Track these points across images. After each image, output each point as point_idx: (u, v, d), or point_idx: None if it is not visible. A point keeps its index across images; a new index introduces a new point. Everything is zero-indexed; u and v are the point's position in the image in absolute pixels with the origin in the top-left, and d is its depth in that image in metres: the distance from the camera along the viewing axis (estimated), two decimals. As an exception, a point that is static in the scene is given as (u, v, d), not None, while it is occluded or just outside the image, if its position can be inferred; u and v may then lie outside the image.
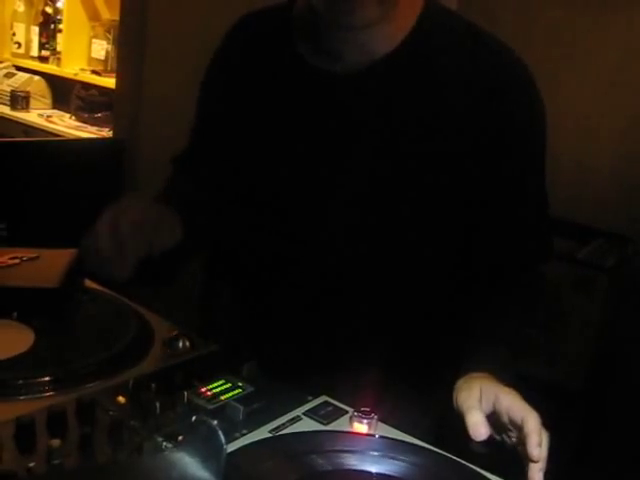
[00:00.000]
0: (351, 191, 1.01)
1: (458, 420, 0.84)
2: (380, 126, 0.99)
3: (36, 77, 3.75)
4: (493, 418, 0.84)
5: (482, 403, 0.84)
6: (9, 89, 3.65)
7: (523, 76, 1.00)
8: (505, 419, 0.83)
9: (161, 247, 0.95)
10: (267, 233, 1.09)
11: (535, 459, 0.79)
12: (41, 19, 3.76)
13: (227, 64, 1.13)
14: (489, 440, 0.83)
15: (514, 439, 0.84)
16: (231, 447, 0.76)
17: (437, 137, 0.98)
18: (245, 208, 1.11)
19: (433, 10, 1.01)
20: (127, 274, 0.92)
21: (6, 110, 3.62)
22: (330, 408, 0.89)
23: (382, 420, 0.86)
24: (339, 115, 1.01)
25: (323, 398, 0.91)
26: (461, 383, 0.89)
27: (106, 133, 3.35)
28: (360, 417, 0.85)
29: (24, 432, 0.76)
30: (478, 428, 0.82)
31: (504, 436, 0.86)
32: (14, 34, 3.85)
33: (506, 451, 0.84)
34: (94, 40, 3.61)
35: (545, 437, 0.81)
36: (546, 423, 0.81)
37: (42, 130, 3.47)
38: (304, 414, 0.87)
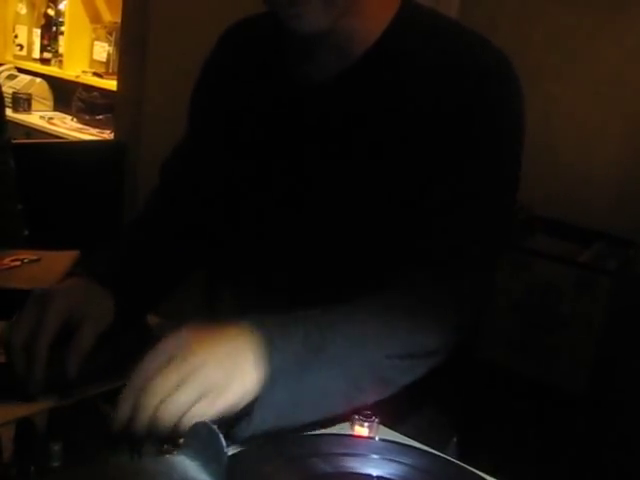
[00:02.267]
0: (327, 193, 1.01)
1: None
2: (355, 127, 0.99)
3: (38, 79, 3.76)
4: None
5: None
6: (11, 91, 3.66)
7: (500, 71, 0.97)
8: None
9: (93, 335, 0.92)
10: (254, 236, 1.08)
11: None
12: (43, 21, 3.77)
13: (218, 74, 1.14)
14: None
15: None
16: (231, 450, 0.76)
17: (407, 137, 0.97)
18: (233, 213, 1.10)
19: (409, 11, 1.00)
20: (34, 393, 0.86)
21: (8, 112, 3.58)
22: (331, 411, 0.89)
23: (383, 423, 0.85)
24: (315, 120, 1.02)
25: (324, 401, 0.91)
26: None
27: (107, 135, 3.35)
28: (361, 420, 0.84)
29: (24, 435, 0.76)
30: None
31: None
32: (16, 36, 3.86)
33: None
34: (96, 42, 3.62)
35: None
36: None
37: (44, 132, 3.48)
38: (305, 417, 0.87)
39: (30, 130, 3.51)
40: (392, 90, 0.99)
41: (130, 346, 0.90)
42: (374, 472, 0.78)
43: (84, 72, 3.60)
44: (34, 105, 3.70)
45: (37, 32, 3.79)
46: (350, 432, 0.84)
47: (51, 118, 3.64)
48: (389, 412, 0.86)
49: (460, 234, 0.93)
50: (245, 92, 1.09)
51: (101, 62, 3.59)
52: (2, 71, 3.86)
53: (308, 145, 1.03)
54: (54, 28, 3.74)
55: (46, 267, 1.13)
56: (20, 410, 0.82)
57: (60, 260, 1.14)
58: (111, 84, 3.27)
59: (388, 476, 0.77)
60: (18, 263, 1.13)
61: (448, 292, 0.92)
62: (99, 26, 3.62)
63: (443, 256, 0.92)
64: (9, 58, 3.92)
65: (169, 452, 0.71)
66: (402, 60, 0.99)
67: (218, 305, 1.19)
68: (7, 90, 3.69)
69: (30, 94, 3.69)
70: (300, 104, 1.03)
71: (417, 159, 0.96)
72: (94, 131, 3.48)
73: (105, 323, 0.95)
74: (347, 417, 0.81)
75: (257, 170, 1.07)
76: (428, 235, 0.93)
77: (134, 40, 2.83)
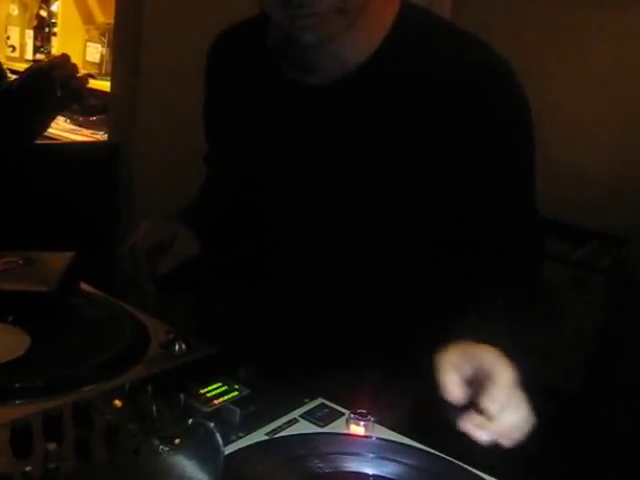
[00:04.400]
0: (336, 193, 1.02)
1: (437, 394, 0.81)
2: (358, 131, 1.00)
3: (31, 81, 3.75)
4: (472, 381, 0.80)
5: (460, 365, 0.80)
6: (4, 93, 3.64)
7: (502, 74, 0.99)
8: (479, 373, 0.79)
9: (182, 259, 1.05)
10: (260, 236, 1.10)
11: (490, 412, 0.76)
12: (35, 22, 3.75)
13: (212, 82, 1.17)
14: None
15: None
16: (228, 450, 0.76)
17: (415, 139, 0.98)
18: (241, 211, 1.13)
19: (408, 15, 1.00)
20: (150, 289, 1.03)
21: (0, 114, 3.61)
22: (327, 410, 0.89)
23: (379, 422, 0.86)
24: (316, 125, 1.03)
25: (319, 400, 0.91)
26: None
27: (101, 136, 3.34)
28: (357, 419, 0.85)
29: (20, 436, 0.76)
30: (452, 388, 0.78)
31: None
32: (8, 37, 3.84)
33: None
34: (89, 43, 3.60)
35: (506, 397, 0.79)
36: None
37: (37, 134, 3.46)
38: (301, 416, 0.87)
39: (23, 132, 3.49)
40: (392, 94, 0.99)
41: None
42: (370, 471, 0.78)
43: (77, 73, 3.59)
44: (27, 106, 3.69)
45: (29, 33, 3.77)
46: (346, 431, 0.85)
47: (44, 119, 3.62)
48: (385, 411, 0.87)
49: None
50: (245, 102, 1.10)
51: (94, 63, 3.58)
52: (-6, 73, 3.84)
53: (319, 144, 1.03)
54: (47, 29, 3.72)
55: (40, 268, 1.13)
56: (16, 411, 0.82)
57: (54, 261, 1.14)
58: (104, 85, 3.25)
59: (384, 475, 0.78)
60: (12, 265, 1.13)
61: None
62: (92, 27, 3.61)
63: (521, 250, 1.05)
64: (1, 59, 3.90)
65: (166, 452, 0.71)
66: (401, 66, 0.99)
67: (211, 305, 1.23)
68: (0, 92, 3.68)
69: (23, 95, 3.68)
70: (304, 108, 1.04)
71: (419, 158, 0.98)
72: (87, 132, 3.47)
73: (192, 250, 1.08)
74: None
75: (265, 172, 1.09)
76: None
77: (127, 41, 2.82)
